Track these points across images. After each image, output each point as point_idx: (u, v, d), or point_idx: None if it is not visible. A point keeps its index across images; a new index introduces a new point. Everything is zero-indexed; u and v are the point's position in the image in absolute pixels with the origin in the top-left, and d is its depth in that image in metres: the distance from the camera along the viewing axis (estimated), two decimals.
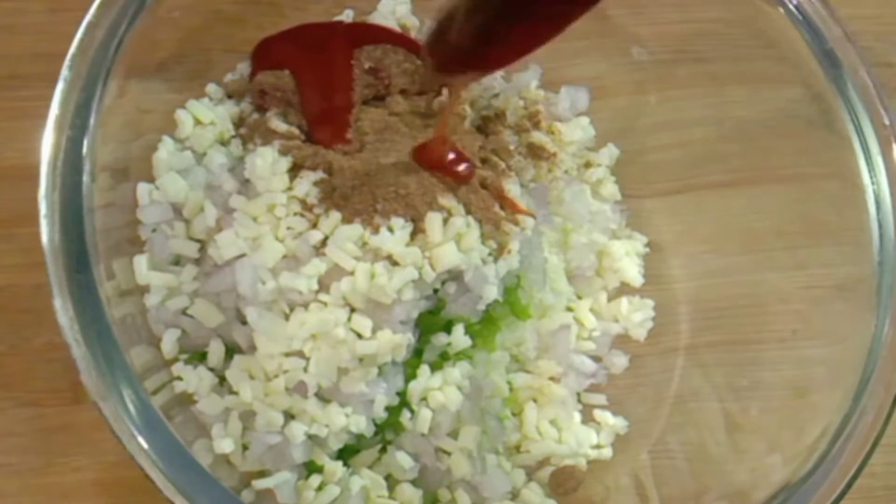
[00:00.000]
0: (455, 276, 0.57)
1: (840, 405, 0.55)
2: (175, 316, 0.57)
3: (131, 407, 0.47)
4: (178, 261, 0.59)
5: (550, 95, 0.69)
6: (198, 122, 0.61)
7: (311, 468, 0.57)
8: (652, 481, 0.64)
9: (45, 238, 0.48)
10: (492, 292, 0.58)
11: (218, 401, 0.55)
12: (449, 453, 0.59)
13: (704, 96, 0.68)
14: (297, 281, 0.54)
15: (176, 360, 0.57)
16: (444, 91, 0.65)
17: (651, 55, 0.69)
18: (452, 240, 0.56)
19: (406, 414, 0.58)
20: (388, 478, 0.59)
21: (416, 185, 0.57)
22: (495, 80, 0.68)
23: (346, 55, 0.63)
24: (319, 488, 0.56)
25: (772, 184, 0.67)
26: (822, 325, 0.63)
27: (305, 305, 0.55)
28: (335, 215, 0.56)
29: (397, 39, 0.65)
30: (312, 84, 0.63)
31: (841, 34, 0.60)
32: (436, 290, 0.58)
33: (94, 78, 0.51)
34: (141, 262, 0.56)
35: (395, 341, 0.55)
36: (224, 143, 0.62)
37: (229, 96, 0.64)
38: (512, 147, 0.65)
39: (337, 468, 0.57)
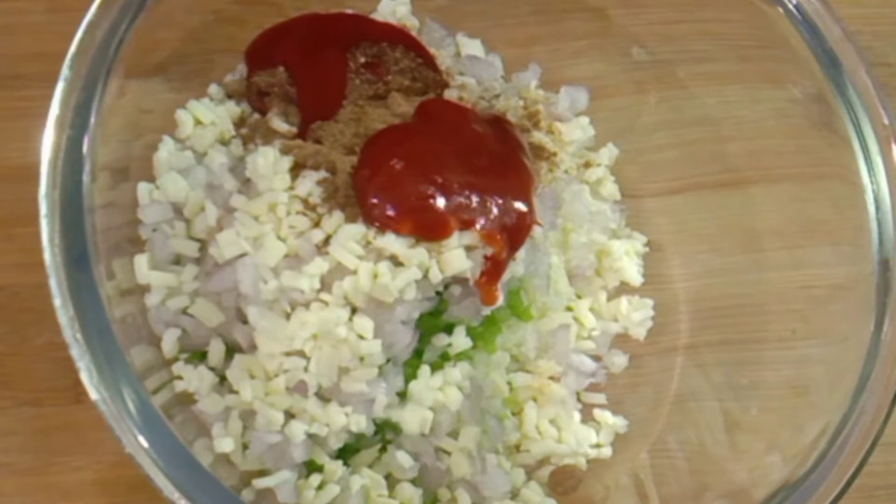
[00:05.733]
0: (460, 279, 0.58)
1: (839, 404, 0.55)
2: (175, 315, 0.57)
3: (131, 406, 0.47)
4: (178, 260, 0.59)
5: (550, 95, 0.69)
6: (198, 122, 0.61)
7: (311, 467, 0.57)
8: (651, 480, 0.64)
9: (45, 238, 0.48)
10: None
11: (218, 400, 0.55)
12: (449, 453, 0.60)
13: (704, 96, 0.68)
14: (299, 280, 0.54)
15: (176, 359, 0.57)
16: (446, 92, 0.65)
17: (651, 55, 0.69)
18: (462, 246, 0.57)
19: None
20: (387, 477, 0.59)
21: None
22: (496, 80, 0.68)
23: (339, 47, 0.64)
24: (319, 487, 0.56)
25: (771, 184, 0.67)
26: (821, 324, 0.63)
27: (307, 305, 0.55)
28: (338, 214, 0.56)
29: (393, 33, 0.65)
30: (306, 77, 0.63)
31: (841, 34, 0.60)
32: (438, 293, 0.58)
33: (94, 78, 0.51)
34: (141, 261, 0.56)
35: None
36: (225, 143, 0.62)
37: (229, 96, 0.64)
38: None
39: (337, 467, 0.57)
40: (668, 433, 0.66)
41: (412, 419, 0.57)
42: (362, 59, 0.64)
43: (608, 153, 0.70)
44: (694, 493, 0.63)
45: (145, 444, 0.47)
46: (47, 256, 0.48)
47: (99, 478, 0.61)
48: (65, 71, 0.50)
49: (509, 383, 0.64)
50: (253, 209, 0.57)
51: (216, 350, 0.57)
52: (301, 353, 0.55)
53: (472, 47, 0.69)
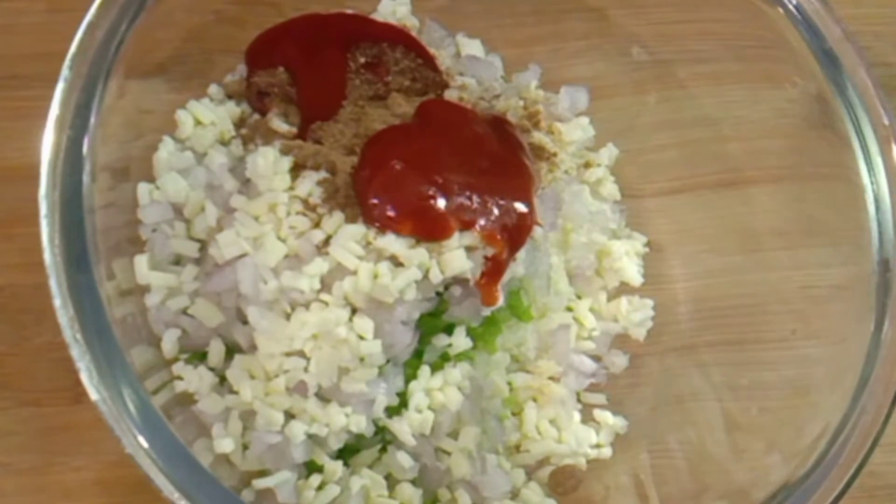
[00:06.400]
0: (460, 279, 0.58)
1: (839, 404, 0.55)
2: (175, 316, 0.57)
3: (131, 406, 0.48)
4: (178, 261, 0.59)
5: (550, 95, 0.69)
6: (198, 122, 0.61)
7: (311, 468, 0.57)
8: (651, 480, 0.64)
9: (45, 238, 0.48)
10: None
11: (218, 400, 0.55)
12: (449, 453, 0.60)
13: (704, 96, 0.68)
14: (299, 280, 0.54)
15: (176, 359, 0.57)
16: (446, 92, 0.65)
17: (651, 55, 0.69)
18: (462, 246, 0.57)
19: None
20: (388, 477, 0.59)
21: None
22: (496, 80, 0.68)
23: (339, 47, 0.64)
24: (319, 488, 0.56)
25: (771, 184, 0.67)
26: (821, 324, 0.63)
27: (307, 305, 0.55)
28: (339, 215, 0.56)
29: (393, 33, 0.65)
30: (306, 77, 0.63)
31: (840, 34, 0.60)
32: (439, 293, 0.58)
33: (94, 78, 0.51)
34: (141, 261, 0.56)
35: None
36: (224, 143, 0.62)
37: (230, 97, 0.64)
38: None
39: (337, 468, 0.57)
40: (668, 433, 0.66)
41: (407, 429, 0.57)
42: (362, 60, 0.64)
43: (608, 153, 0.70)
44: (694, 493, 0.63)
45: (145, 444, 0.47)
46: (47, 256, 0.48)
47: (99, 478, 0.61)
48: (65, 71, 0.50)
49: (509, 383, 0.64)
50: (253, 209, 0.57)
51: (216, 350, 0.57)
52: (301, 354, 0.55)
53: (472, 47, 0.69)
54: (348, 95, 0.63)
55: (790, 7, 0.61)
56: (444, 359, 0.60)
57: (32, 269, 0.48)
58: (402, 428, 0.57)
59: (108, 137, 0.52)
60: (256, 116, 0.64)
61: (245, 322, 0.56)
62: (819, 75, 0.61)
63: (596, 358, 0.68)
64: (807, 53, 0.61)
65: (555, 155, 0.66)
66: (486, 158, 0.60)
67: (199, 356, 0.57)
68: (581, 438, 0.65)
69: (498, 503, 0.61)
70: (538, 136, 0.66)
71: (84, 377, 0.47)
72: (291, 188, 0.57)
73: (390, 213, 0.55)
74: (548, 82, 0.70)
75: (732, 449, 0.64)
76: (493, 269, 0.57)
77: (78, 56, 0.51)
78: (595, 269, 0.69)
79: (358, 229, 0.56)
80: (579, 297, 0.69)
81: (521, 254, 0.59)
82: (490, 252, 0.57)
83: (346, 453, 0.59)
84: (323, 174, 0.58)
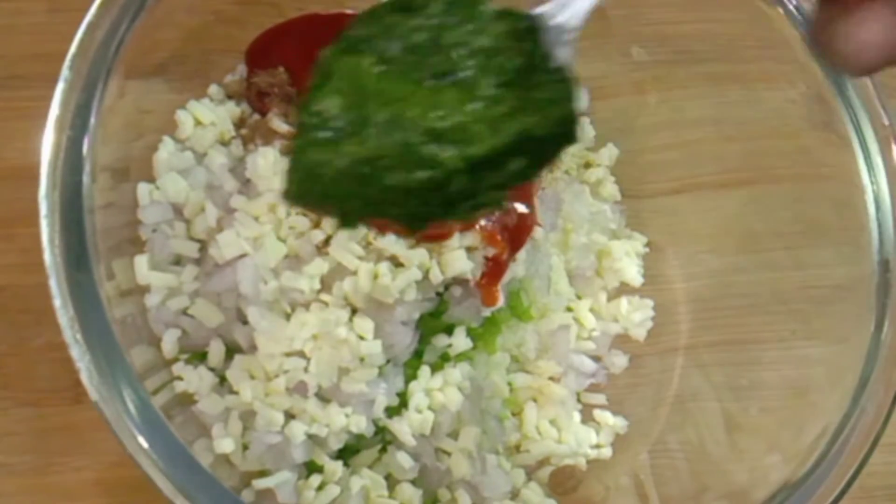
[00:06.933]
0: (460, 280, 0.58)
1: (839, 405, 0.55)
2: (175, 316, 0.57)
3: (131, 407, 0.47)
4: (178, 261, 0.59)
5: None
6: (198, 122, 0.61)
7: (311, 468, 0.57)
8: (651, 481, 0.64)
9: (45, 238, 0.48)
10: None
11: (218, 401, 0.55)
12: (449, 453, 0.60)
13: (704, 96, 0.68)
14: (299, 280, 0.54)
15: (176, 359, 0.57)
16: None
17: (651, 55, 0.69)
18: (463, 247, 0.57)
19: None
20: (388, 477, 0.59)
21: None
22: None
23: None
24: (319, 488, 0.56)
25: (771, 184, 0.67)
26: (821, 325, 0.63)
27: (307, 305, 0.55)
28: None
29: None
30: (306, 77, 0.63)
31: None
32: (439, 293, 0.58)
33: (94, 78, 0.51)
34: (141, 262, 0.56)
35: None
36: (225, 143, 0.62)
37: (230, 97, 0.64)
38: None
39: (337, 468, 0.57)
40: (668, 433, 0.66)
41: (407, 429, 0.57)
42: None
43: (608, 153, 0.70)
44: (694, 493, 0.63)
45: (145, 444, 0.47)
46: (47, 257, 0.48)
47: (99, 478, 0.61)
48: (65, 71, 0.50)
49: (509, 384, 0.64)
50: (253, 210, 0.57)
51: (216, 350, 0.57)
52: (301, 354, 0.55)
53: None
54: None
55: (790, 7, 0.61)
56: (444, 359, 0.60)
57: (32, 269, 0.48)
58: (402, 428, 0.57)
59: (108, 137, 0.52)
60: (256, 116, 0.64)
61: (245, 322, 0.56)
62: (819, 75, 0.60)
63: (596, 358, 0.68)
64: (806, 53, 0.61)
65: None
66: None
67: (199, 356, 0.57)
68: (581, 438, 0.65)
69: (498, 503, 0.61)
70: None
71: (84, 377, 0.47)
72: None
73: None
74: None
75: (732, 449, 0.64)
76: (494, 270, 0.57)
77: (78, 56, 0.51)
78: (595, 269, 0.69)
79: (358, 229, 0.56)
80: (579, 298, 0.69)
81: (522, 254, 0.59)
82: (490, 252, 0.57)
83: (346, 453, 0.59)
84: None
